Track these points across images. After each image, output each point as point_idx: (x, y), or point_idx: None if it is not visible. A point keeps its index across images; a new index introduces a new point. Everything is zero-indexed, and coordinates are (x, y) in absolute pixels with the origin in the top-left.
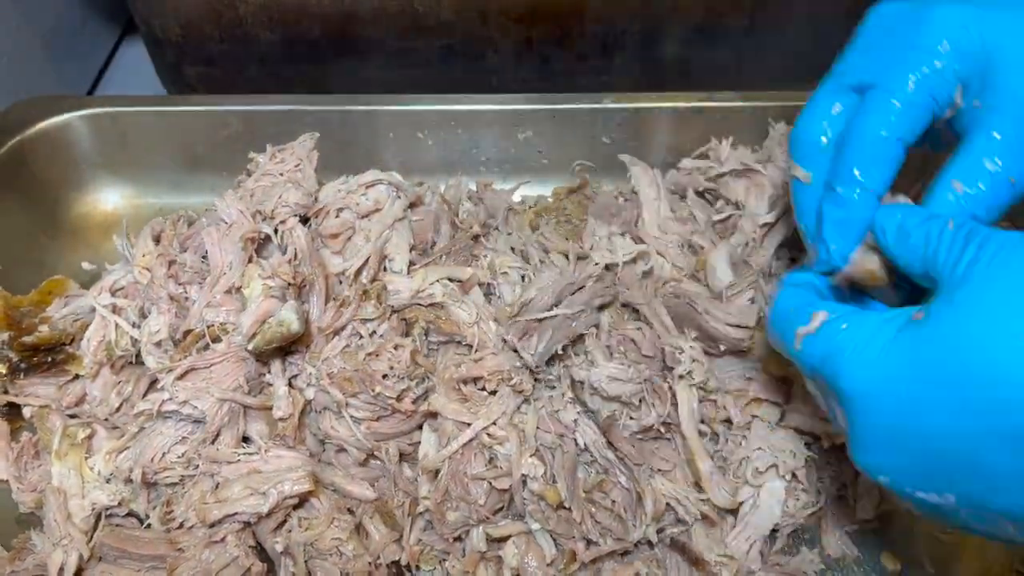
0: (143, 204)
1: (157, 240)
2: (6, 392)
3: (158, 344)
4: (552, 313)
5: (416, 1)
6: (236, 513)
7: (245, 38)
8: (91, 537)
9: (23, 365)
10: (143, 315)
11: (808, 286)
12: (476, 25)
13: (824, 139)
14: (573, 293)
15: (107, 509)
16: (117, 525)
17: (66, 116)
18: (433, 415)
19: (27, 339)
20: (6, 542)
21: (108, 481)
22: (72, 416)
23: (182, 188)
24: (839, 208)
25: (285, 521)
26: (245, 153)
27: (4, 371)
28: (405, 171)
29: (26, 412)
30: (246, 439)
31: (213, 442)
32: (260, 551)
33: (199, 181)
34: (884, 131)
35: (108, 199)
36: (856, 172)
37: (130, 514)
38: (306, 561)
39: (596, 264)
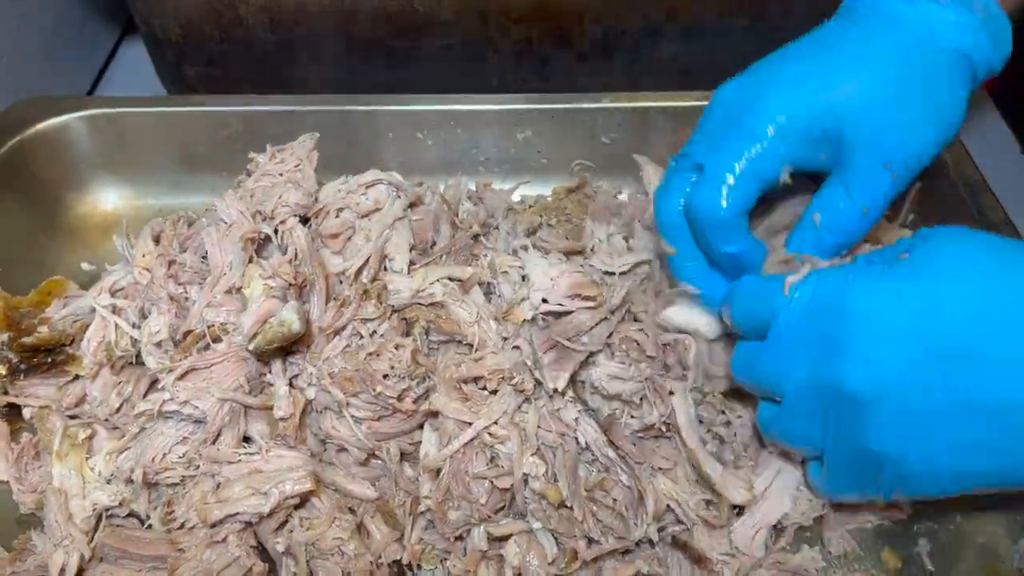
0: (143, 204)
1: (157, 240)
2: (6, 393)
3: (158, 344)
4: (583, 348)
5: (416, 1)
6: (237, 513)
7: (245, 38)
8: (92, 538)
9: (23, 366)
10: (143, 315)
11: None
12: (476, 25)
13: (681, 216)
14: (597, 324)
15: (108, 510)
16: (118, 526)
17: (65, 116)
18: (434, 414)
19: (27, 340)
20: (7, 543)
21: (109, 482)
22: (72, 417)
23: (182, 188)
24: (696, 279)
25: (286, 521)
26: (245, 153)
27: (4, 372)
28: (405, 171)
29: (26, 413)
30: (247, 439)
31: (214, 442)
32: (261, 551)
33: (199, 181)
34: (719, 209)
35: (108, 199)
36: (703, 246)
37: (131, 514)
38: (308, 561)
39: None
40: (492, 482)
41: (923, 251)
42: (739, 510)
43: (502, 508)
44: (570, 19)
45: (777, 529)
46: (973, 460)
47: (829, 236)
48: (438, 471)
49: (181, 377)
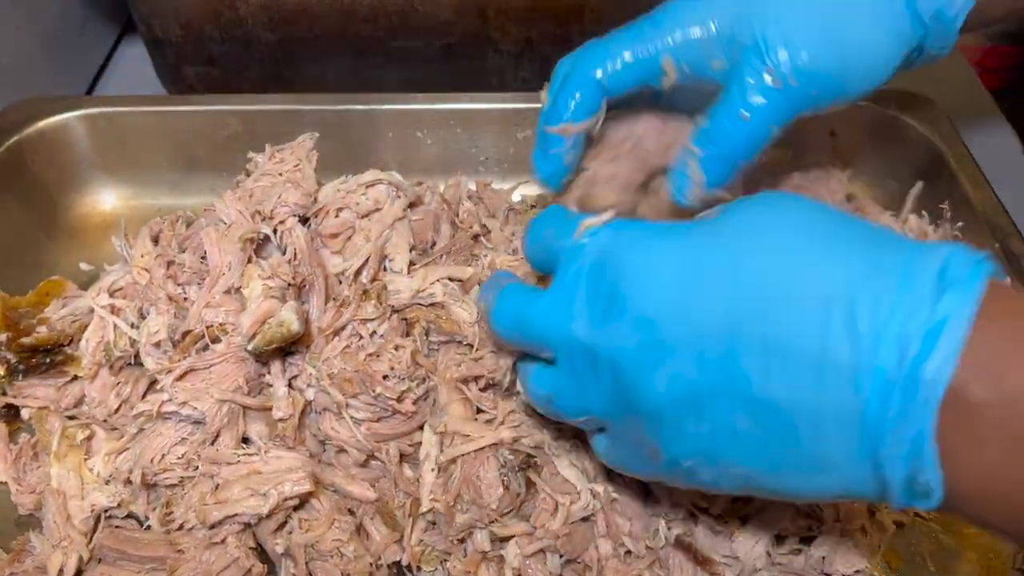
0: (141, 204)
1: (155, 240)
2: (4, 394)
3: (157, 345)
4: None
5: (416, 1)
6: (236, 514)
7: (245, 38)
8: (91, 539)
9: (21, 367)
10: (142, 316)
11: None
12: (476, 25)
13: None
14: None
15: (106, 511)
16: (117, 527)
17: (64, 116)
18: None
19: (25, 340)
20: (5, 544)
21: (107, 482)
22: (71, 417)
23: (181, 189)
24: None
25: (286, 522)
26: (245, 153)
27: (2, 373)
28: (404, 170)
29: (24, 414)
30: (246, 440)
31: (213, 443)
32: (261, 552)
33: (198, 182)
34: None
35: (106, 199)
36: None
37: (130, 515)
38: (307, 562)
39: None
40: (504, 486)
41: (729, 215)
42: (743, 519)
43: (511, 511)
44: (570, 19)
45: (779, 538)
46: (733, 449)
47: (707, 145)
48: (448, 474)
49: (180, 378)
